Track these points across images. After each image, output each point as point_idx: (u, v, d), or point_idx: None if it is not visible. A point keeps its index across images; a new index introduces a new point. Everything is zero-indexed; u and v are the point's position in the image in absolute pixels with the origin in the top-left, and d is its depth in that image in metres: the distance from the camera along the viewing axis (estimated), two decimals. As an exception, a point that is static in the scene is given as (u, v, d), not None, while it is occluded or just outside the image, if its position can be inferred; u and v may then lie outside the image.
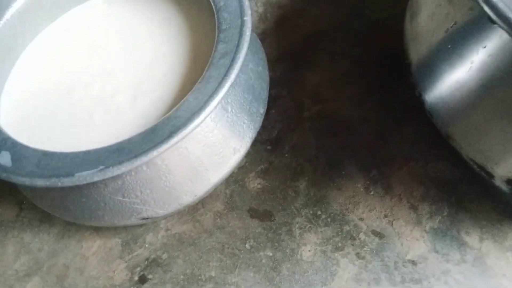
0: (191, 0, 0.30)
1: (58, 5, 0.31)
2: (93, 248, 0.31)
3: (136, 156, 0.21)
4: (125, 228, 0.31)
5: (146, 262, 0.30)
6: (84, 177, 0.21)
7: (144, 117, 0.27)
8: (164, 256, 0.30)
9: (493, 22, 0.19)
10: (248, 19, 0.24)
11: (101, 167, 0.21)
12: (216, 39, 0.24)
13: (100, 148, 0.22)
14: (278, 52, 0.34)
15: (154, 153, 0.21)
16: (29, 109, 0.28)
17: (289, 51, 0.35)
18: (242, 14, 0.24)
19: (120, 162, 0.21)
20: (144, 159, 0.21)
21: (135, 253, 0.30)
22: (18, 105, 0.28)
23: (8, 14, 0.28)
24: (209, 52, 0.26)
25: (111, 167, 0.21)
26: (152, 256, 0.30)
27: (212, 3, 0.25)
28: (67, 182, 0.21)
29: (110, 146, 0.22)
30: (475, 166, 0.24)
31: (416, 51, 0.26)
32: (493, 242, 0.27)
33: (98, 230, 0.31)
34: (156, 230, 0.31)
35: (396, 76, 0.32)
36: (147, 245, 0.30)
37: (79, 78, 0.29)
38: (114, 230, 0.31)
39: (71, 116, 0.27)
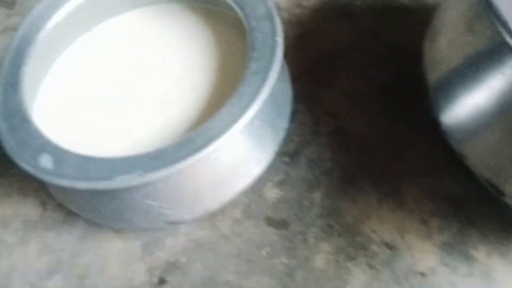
0: (222, 17, 0.32)
1: (93, 17, 0.32)
2: (114, 249, 0.32)
3: (172, 163, 0.22)
4: (146, 231, 0.32)
5: (165, 265, 0.31)
6: (123, 181, 0.22)
7: (172, 127, 0.28)
8: (183, 259, 0.31)
9: (509, 52, 0.21)
10: (280, 40, 0.25)
11: (139, 172, 0.22)
12: (248, 57, 0.25)
13: (138, 155, 0.23)
14: (298, 69, 0.36)
15: (189, 161, 0.23)
16: (62, 114, 0.30)
17: (308, 68, 0.37)
18: (274, 34, 0.26)
19: (157, 168, 0.22)
20: (179, 166, 0.22)
21: (155, 256, 0.31)
22: (51, 110, 0.30)
23: (49, 25, 0.29)
24: (237, 68, 0.28)
25: (149, 173, 0.22)
26: (172, 260, 0.31)
27: (245, 23, 0.27)
28: (106, 185, 0.22)
29: (148, 153, 0.23)
30: (486, 184, 0.26)
31: (435, 75, 0.28)
32: (500, 257, 0.29)
33: (119, 232, 0.32)
34: (175, 234, 0.32)
35: (410, 96, 0.34)
36: (166, 249, 0.32)
37: (111, 86, 0.31)
38: (135, 232, 0.32)
39: (103, 123, 0.29)
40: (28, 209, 0.34)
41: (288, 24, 0.40)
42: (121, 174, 0.23)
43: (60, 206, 0.34)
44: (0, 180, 0.35)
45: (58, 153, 0.24)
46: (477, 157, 0.26)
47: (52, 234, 0.33)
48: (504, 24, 0.21)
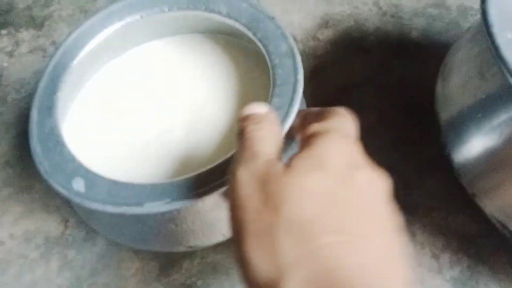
0: (244, 49, 0.33)
1: (122, 45, 0.34)
2: (132, 269, 0.33)
3: (201, 194, 0.24)
4: (164, 253, 0.33)
5: (182, 287, 0.32)
6: (152, 207, 0.23)
7: (195, 155, 0.30)
8: (199, 282, 0.32)
9: None
10: (301, 77, 0.27)
11: (167, 200, 0.24)
12: (271, 93, 0.27)
13: (166, 182, 0.25)
14: (312, 102, 0.37)
15: (217, 193, 0.24)
16: (89, 137, 0.31)
17: (322, 102, 0.39)
18: (295, 72, 0.27)
19: (185, 198, 0.24)
20: (207, 197, 0.24)
21: (172, 278, 0.32)
22: (79, 132, 0.31)
23: (82, 53, 0.31)
24: (257, 98, 0.29)
25: (176, 201, 0.23)
26: (188, 282, 0.32)
27: (268, 60, 0.28)
28: (137, 211, 0.23)
29: (176, 181, 0.24)
30: (496, 223, 0.27)
31: (447, 113, 0.29)
32: (509, 295, 0.29)
33: (137, 252, 0.33)
34: (192, 257, 0.33)
35: (422, 132, 0.35)
36: (183, 271, 0.33)
37: (137, 112, 0.32)
38: (153, 254, 0.33)
39: (129, 147, 0.30)
40: (50, 225, 0.35)
41: (304, 56, 0.41)
42: (150, 200, 0.24)
43: (81, 224, 0.35)
44: (24, 196, 0.37)
45: (90, 177, 0.25)
46: (488, 196, 0.27)
47: (73, 251, 0.34)
48: None
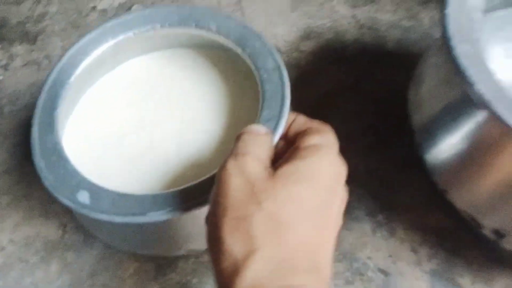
0: (234, 66, 0.35)
1: (116, 60, 0.36)
2: (130, 270, 0.35)
3: (199, 203, 0.26)
4: (159, 254, 0.35)
5: (177, 286, 0.34)
6: (155, 217, 0.25)
7: (187, 165, 0.31)
8: (194, 280, 0.34)
9: (477, 105, 0.25)
10: (288, 92, 0.29)
11: (169, 209, 0.25)
12: (260, 106, 0.29)
13: (165, 193, 0.26)
14: (297, 108, 0.39)
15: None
16: (85, 150, 0.32)
17: (305, 109, 0.41)
18: (283, 86, 0.29)
19: (186, 207, 0.26)
20: (203, 207, 0.25)
21: (168, 277, 0.34)
22: (75, 146, 0.33)
23: (79, 69, 0.33)
24: (249, 114, 0.32)
25: (177, 210, 0.25)
26: (183, 280, 0.34)
27: (256, 75, 0.30)
28: (141, 220, 0.25)
29: (175, 191, 0.26)
30: (467, 217, 0.29)
31: (419, 119, 0.32)
32: (484, 284, 0.32)
33: (135, 254, 0.35)
34: (187, 257, 0.35)
35: (399, 135, 0.38)
36: (179, 270, 0.34)
37: (130, 125, 0.34)
38: (149, 255, 0.35)
39: (123, 159, 0.32)
40: (49, 230, 0.37)
41: (288, 66, 0.43)
42: (152, 210, 0.26)
43: (78, 228, 0.36)
44: (23, 203, 0.38)
45: (94, 189, 0.27)
46: (457, 192, 0.29)
47: (72, 254, 0.35)
48: (470, 85, 0.24)
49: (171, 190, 0.26)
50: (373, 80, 0.42)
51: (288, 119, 0.28)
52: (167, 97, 0.35)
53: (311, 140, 0.24)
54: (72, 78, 0.33)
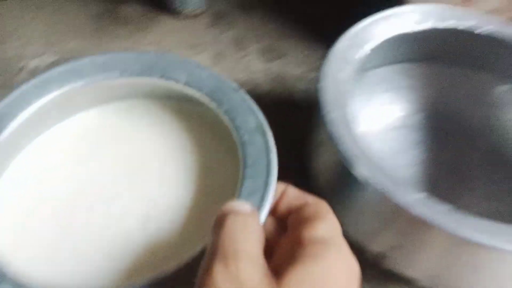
0: (208, 124, 0.30)
1: (58, 115, 0.30)
2: None
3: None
4: None
5: None
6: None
7: (154, 243, 0.25)
8: None
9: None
10: (275, 157, 0.24)
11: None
12: (241, 174, 0.24)
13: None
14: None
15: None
16: (24, 232, 0.25)
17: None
18: (267, 151, 0.24)
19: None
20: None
21: None
22: (10, 226, 0.26)
23: (8, 129, 0.26)
24: (223, 183, 0.26)
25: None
26: None
27: (236, 136, 0.25)
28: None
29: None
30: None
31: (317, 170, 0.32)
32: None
33: None
34: None
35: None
36: None
37: (79, 198, 0.27)
38: None
39: (73, 241, 0.25)
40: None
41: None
42: None
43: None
44: None
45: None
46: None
47: None
48: (343, 155, 0.26)
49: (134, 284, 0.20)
50: (283, 126, 0.39)
51: (276, 191, 0.23)
52: (124, 163, 0.28)
53: (316, 231, 0.19)
54: (4, 134, 0.26)
